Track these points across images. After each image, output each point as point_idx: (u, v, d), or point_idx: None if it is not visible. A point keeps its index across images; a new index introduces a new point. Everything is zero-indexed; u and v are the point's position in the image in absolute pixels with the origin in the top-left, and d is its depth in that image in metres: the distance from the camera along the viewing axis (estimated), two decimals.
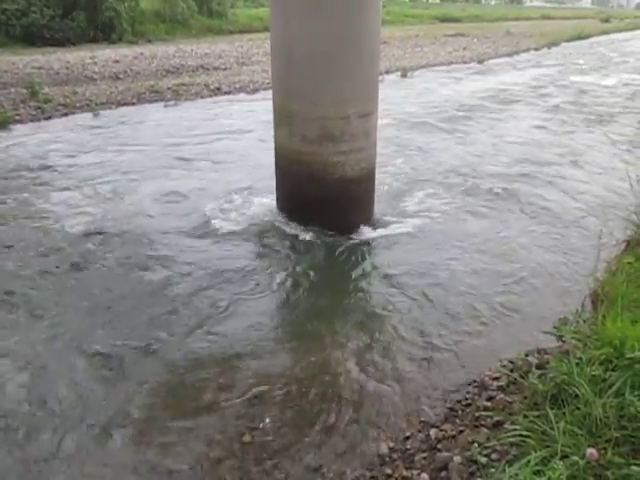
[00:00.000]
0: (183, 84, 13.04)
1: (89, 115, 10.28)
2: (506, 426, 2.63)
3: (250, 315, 3.97)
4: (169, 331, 3.77)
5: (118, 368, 3.39)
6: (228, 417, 3.02)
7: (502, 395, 3.02)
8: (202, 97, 12.27)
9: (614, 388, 2.43)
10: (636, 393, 2.37)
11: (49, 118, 9.89)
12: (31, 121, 9.60)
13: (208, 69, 15.60)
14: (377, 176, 5.55)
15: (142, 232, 5.25)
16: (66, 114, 10.19)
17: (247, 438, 2.87)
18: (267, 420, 2.99)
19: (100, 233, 5.19)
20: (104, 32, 20.55)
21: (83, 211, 5.73)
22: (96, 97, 11.35)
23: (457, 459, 2.58)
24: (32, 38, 18.40)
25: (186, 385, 3.27)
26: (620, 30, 42.62)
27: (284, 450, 2.80)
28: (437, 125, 9.99)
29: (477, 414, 2.92)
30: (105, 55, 16.48)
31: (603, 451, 2.17)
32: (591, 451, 2.11)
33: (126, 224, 5.41)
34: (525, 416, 2.52)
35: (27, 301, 4.07)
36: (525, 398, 2.78)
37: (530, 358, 3.29)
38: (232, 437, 2.89)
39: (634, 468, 2.06)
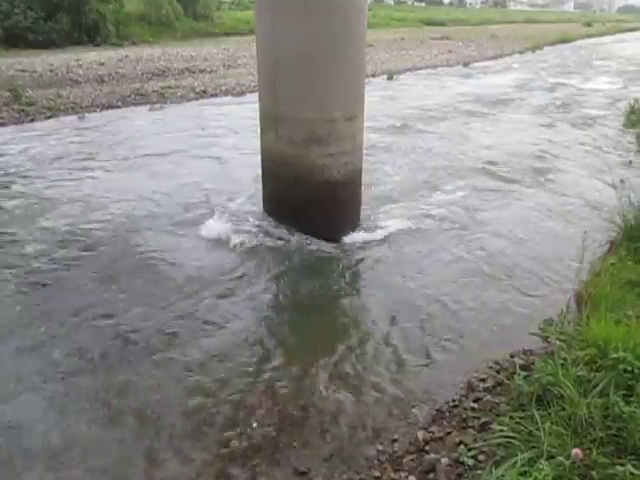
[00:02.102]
0: (169, 87, 12.99)
1: (74, 118, 10.19)
2: (493, 427, 2.64)
3: (232, 323, 3.93)
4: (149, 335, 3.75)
5: (102, 366, 3.37)
6: (215, 422, 3.00)
7: (489, 396, 3.04)
8: (188, 100, 12.23)
9: (598, 388, 2.46)
10: (620, 393, 2.40)
11: (32, 121, 9.80)
12: (14, 124, 9.51)
13: (194, 72, 15.55)
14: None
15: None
16: (50, 117, 10.10)
17: (234, 443, 2.85)
18: (254, 425, 2.97)
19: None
20: (88, 34, 20.41)
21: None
22: (81, 100, 11.26)
23: (445, 461, 2.59)
24: (15, 40, 18.20)
25: (171, 390, 3.24)
26: (602, 34, 43.28)
27: (271, 455, 2.79)
28: (418, 127, 10.06)
29: (464, 415, 2.93)
30: (90, 58, 16.35)
31: (588, 451, 2.19)
32: (576, 451, 2.13)
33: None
34: (511, 417, 2.54)
35: None
36: (511, 399, 2.80)
37: (516, 359, 3.31)
38: (219, 442, 2.87)
39: (619, 468, 2.08)
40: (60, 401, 3.13)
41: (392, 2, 63.85)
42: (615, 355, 2.54)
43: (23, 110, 10.11)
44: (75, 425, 2.95)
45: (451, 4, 75.52)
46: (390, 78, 15.86)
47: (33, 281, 4.38)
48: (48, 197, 6.15)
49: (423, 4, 67.68)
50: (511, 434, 2.40)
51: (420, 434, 2.88)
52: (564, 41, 33.42)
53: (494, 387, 3.14)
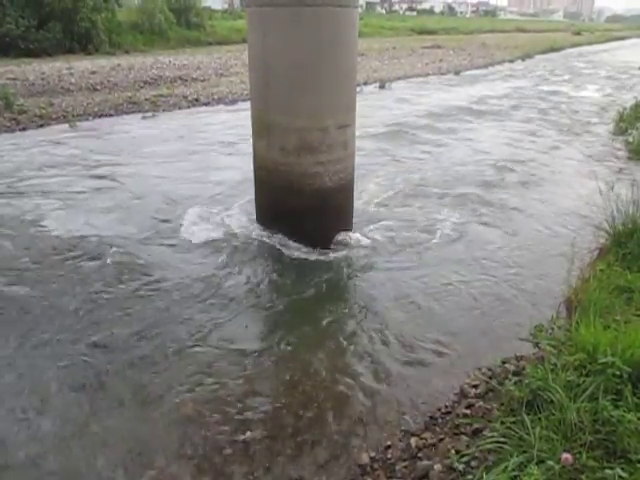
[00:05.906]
0: (161, 95, 13.03)
1: (65, 126, 10.18)
2: (485, 433, 2.66)
3: (225, 332, 3.93)
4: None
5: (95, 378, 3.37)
6: (209, 430, 3.00)
7: (481, 402, 3.06)
8: (180, 108, 12.28)
9: (588, 393, 2.48)
10: (609, 397, 2.42)
11: (24, 129, 9.80)
12: (5, 132, 9.51)
13: (186, 80, 15.60)
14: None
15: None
16: (42, 125, 10.10)
17: (228, 450, 2.85)
18: (247, 432, 2.98)
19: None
20: (81, 43, 20.46)
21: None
22: (73, 108, 11.27)
23: (437, 467, 2.60)
24: (6, 48, 18.21)
25: (166, 398, 3.24)
26: (591, 43, 43.88)
27: (265, 462, 2.79)
28: (412, 134, 10.13)
29: (457, 422, 2.95)
30: (82, 66, 16.37)
31: (578, 455, 2.21)
32: (566, 455, 2.14)
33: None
34: (502, 422, 2.56)
35: None
36: (502, 405, 2.81)
37: (507, 365, 3.34)
38: (213, 449, 2.86)
39: (608, 471, 2.10)
40: None
41: (384, 11, 64.49)
42: (604, 360, 2.56)
43: (15, 118, 10.11)
44: None
45: (442, 13, 76.41)
46: (382, 86, 15.97)
47: None
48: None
49: (414, 13, 68.41)
50: (502, 439, 2.41)
51: (413, 441, 2.89)
52: (554, 50, 33.85)
53: (486, 393, 3.16)
